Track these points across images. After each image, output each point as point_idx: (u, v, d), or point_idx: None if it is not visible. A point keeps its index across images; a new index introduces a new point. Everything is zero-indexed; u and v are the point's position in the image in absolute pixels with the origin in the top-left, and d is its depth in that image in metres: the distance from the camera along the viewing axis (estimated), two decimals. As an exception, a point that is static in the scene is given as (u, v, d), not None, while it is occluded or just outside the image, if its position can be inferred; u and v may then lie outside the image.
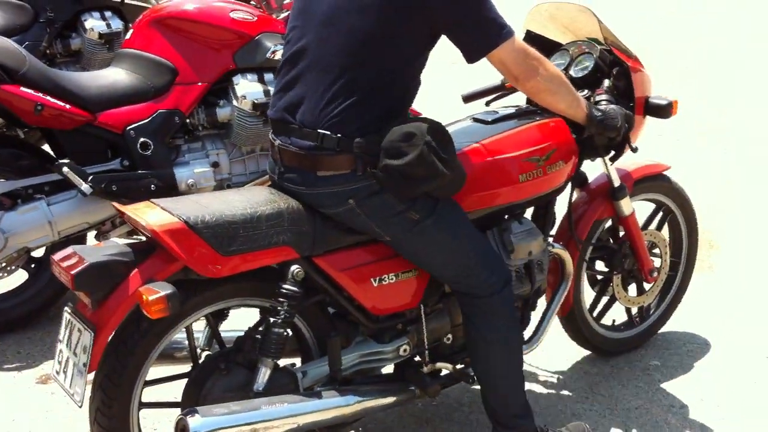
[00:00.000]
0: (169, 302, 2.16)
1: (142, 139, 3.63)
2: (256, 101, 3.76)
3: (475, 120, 2.86)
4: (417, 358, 2.77)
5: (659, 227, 3.49)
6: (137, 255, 2.33)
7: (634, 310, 3.53)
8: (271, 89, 3.77)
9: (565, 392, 3.27)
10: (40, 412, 3.11)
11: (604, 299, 3.45)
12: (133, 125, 3.63)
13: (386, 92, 2.41)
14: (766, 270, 4.18)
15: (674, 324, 3.64)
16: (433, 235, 2.49)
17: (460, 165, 2.43)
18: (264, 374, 2.44)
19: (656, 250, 3.44)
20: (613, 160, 3.02)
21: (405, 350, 2.70)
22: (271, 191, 2.49)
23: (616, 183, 3.13)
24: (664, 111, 3.03)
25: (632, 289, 3.44)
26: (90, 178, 3.48)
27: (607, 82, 2.97)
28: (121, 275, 2.28)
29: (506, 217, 2.81)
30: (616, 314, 3.51)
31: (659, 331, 3.61)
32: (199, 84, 3.77)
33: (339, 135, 2.36)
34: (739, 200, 4.97)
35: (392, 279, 2.58)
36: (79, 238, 3.68)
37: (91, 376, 2.30)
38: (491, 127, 2.79)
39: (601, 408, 3.18)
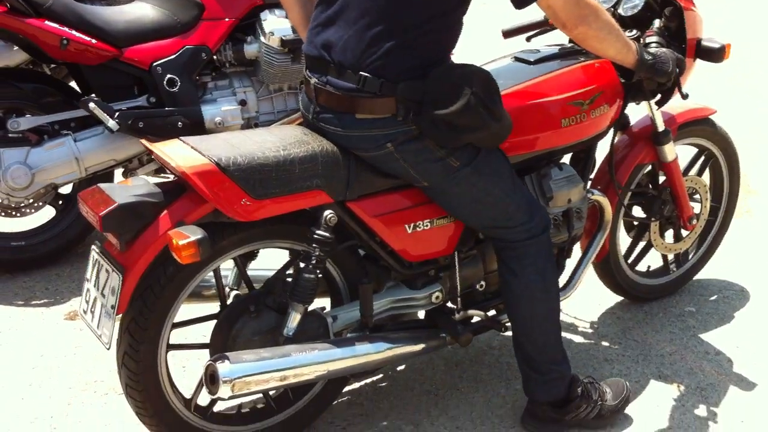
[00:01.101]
0: (199, 247, 2.08)
1: (168, 76, 3.53)
2: (284, 38, 3.64)
3: (517, 59, 2.74)
4: (449, 305, 2.70)
5: (700, 172, 3.37)
6: (167, 196, 2.25)
7: (671, 257, 3.43)
8: (300, 25, 3.67)
9: (597, 337, 3.21)
10: (68, 348, 3.08)
11: (640, 245, 3.36)
12: (160, 61, 3.53)
13: (431, 35, 2.28)
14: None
15: (710, 270, 3.55)
16: (472, 183, 2.39)
17: (507, 115, 2.32)
18: (294, 319, 2.37)
19: (696, 196, 3.32)
20: (659, 104, 2.89)
21: (437, 297, 2.62)
22: (304, 131, 2.39)
23: (661, 127, 3.00)
24: (716, 55, 2.88)
25: (669, 235, 3.34)
26: (116, 114, 3.40)
27: (657, 23, 2.82)
28: (150, 216, 2.20)
29: (546, 162, 2.70)
30: (652, 260, 3.41)
31: (695, 277, 3.52)
32: (227, 20, 3.65)
33: (382, 79, 2.25)
34: None
35: (427, 225, 2.49)
36: (106, 175, 3.62)
37: (119, 319, 2.24)
38: (534, 68, 2.67)
39: (633, 354, 3.11)
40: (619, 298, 3.40)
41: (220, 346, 2.38)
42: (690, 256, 3.47)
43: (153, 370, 2.29)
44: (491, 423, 2.74)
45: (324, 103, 2.35)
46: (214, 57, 3.67)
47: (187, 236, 2.08)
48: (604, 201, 2.91)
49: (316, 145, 2.31)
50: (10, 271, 3.54)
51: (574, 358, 3.04)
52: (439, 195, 2.45)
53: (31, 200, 3.49)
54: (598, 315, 3.34)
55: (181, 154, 2.21)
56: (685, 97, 2.79)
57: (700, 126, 3.23)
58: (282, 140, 2.30)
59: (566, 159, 2.88)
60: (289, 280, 2.40)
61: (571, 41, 2.91)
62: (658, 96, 2.88)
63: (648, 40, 2.73)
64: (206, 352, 2.44)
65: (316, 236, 2.32)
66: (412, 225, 2.47)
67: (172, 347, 2.37)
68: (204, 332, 2.52)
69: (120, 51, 3.46)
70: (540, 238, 2.51)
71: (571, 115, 2.62)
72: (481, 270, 2.70)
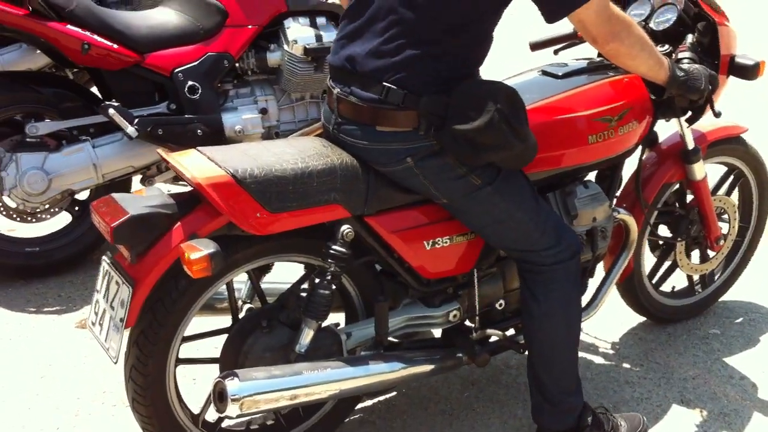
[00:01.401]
0: (212, 261, 2.02)
1: (190, 83, 3.49)
2: (307, 46, 3.60)
3: (544, 73, 2.66)
4: (466, 323, 2.62)
5: (729, 192, 3.28)
6: (181, 207, 2.19)
7: (696, 277, 3.33)
8: (324, 34, 3.65)
9: (618, 359, 3.12)
10: (78, 357, 3.04)
11: (665, 265, 3.27)
12: (182, 68, 3.50)
13: (458, 49, 2.21)
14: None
15: (736, 292, 3.45)
16: (494, 203, 2.31)
17: (533, 137, 2.23)
18: (307, 336, 2.31)
19: (724, 216, 3.23)
20: (689, 121, 2.80)
21: (455, 316, 2.55)
22: (323, 144, 2.33)
23: (690, 145, 2.92)
24: (750, 72, 2.79)
25: (695, 255, 3.25)
26: (136, 120, 3.37)
27: (690, 38, 2.73)
28: (163, 228, 2.15)
29: (571, 180, 2.62)
30: (676, 281, 3.33)
31: (720, 299, 3.43)
32: (250, 27, 3.61)
33: (405, 90, 2.18)
34: None
35: (446, 242, 2.42)
36: (124, 182, 3.57)
37: (127, 332, 2.19)
38: (561, 82, 2.59)
39: (655, 377, 3.02)
40: (642, 319, 3.31)
41: (230, 361, 2.32)
42: (716, 277, 3.37)
43: (161, 384, 2.24)
44: (507, 447, 2.67)
45: (345, 114, 2.29)
46: (236, 64, 3.64)
47: (199, 250, 2.03)
48: (630, 220, 2.82)
49: (335, 157, 2.25)
50: (24, 277, 3.51)
51: (594, 379, 2.97)
52: (459, 212, 2.38)
53: (47, 206, 3.46)
54: (620, 336, 3.25)
55: (197, 164, 2.16)
56: (717, 115, 2.70)
57: (730, 144, 3.14)
58: (300, 152, 2.24)
59: (591, 176, 2.80)
60: (304, 294, 2.33)
61: (600, 55, 2.84)
62: (689, 113, 2.80)
63: (680, 55, 2.65)
64: (217, 366, 2.38)
65: (332, 251, 2.26)
66: (430, 242, 2.40)
67: (181, 361, 2.31)
68: (216, 344, 2.46)
69: (142, 57, 3.43)
70: (567, 264, 2.42)
71: (599, 131, 2.55)
72: (501, 288, 2.62)
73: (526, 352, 2.60)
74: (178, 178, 3.64)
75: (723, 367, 3.07)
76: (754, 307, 3.44)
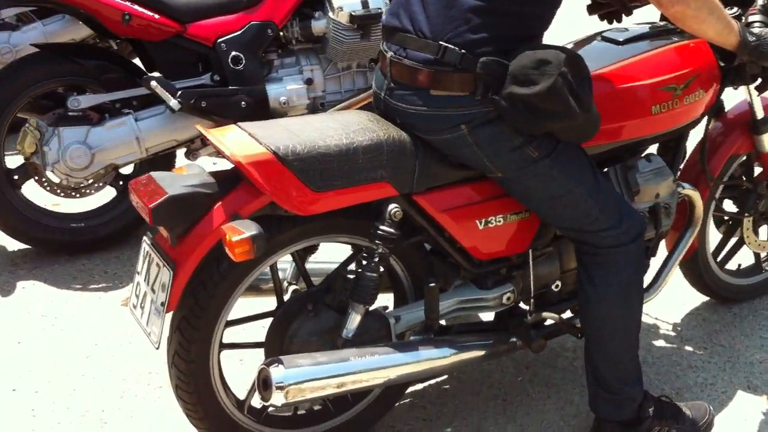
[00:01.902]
0: (254, 244, 1.93)
1: (233, 53, 3.39)
2: (353, 13, 3.46)
3: (604, 39, 2.50)
4: (520, 306, 2.50)
5: (799, 164, 3.09)
6: (221, 186, 2.10)
7: (763, 255, 3.16)
8: (370, 0, 3.49)
9: (681, 341, 2.97)
10: (124, 336, 2.97)
11: (731, 242, 3.10)
12: (225, 37, 3.39)
13: (527, 7, 2.07)
14: None
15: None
16: (552, 177, 2.17)
17: (596, 109, 2.09)
18: (354, 320, 2.21)
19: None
20: (759, 89, 2.62)
21: (509, 298, 2.42)
22: (369, 117, 2.21)
23: (760, 114, 2.75)
24: None
25: (763, 231, 3.07)
26: (179, 93, 3.28)
27: (761, 0, 2.54)
28: (203, 208, 2.06)
29: (632, 153, 2.47)
30: (742, 258, 3.16)
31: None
32: (295, -6, 3.47)
33: (463, 50, 2.04)
34: None
35: (499, 221, 2.30)
36: (167, 156, 3.50)
37: (169, 316, 2.11)
38: (622, 49, 2.43)
39: (720, 360, 2.87)
40: (705, 299, 3.16)
41: (275, 346, 2.23)
42: (784, 255, 3.20)
43: (205, 371, 2.16)
44: (563, 434, 2.55)
45: (398, 78, 2.16)
46: (281, 33, 3.52)
47: (241, 232, 1.93)
48: (695, 195, 2.66)
49: (381, 132, 2.13)
50: (70, 253, 3.46)
51: (656, 363, 2.83)
52: (514, 187, 2.24)
53: (90, 181, 3.39)
54: (682, 316, 3.10)
55: (238, 141, 2.06)
56: None
57: None
58: (345, 127, 2.13)
59: (653, 149, 2.64)
60: (350, 277, 2.23)
61: (663, 18, 2.67)
62: (759, 80, 2.61)
63: (751, 18, 2.45)
64: (262, 350, 2.29)
65: (379, 232, 2.15)
66: (483, 220, 2.28)
67: (225, 346, 2.23)
68: (263, 326, 2.37)
69: (184, 27, 3.33)
70: (628, 248, 2.27)
71: (663, 101, 2.39)
72: (557, 269, 2.49)
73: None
74: (223, 151, 3.55)
75: (793, 351, 2.93)
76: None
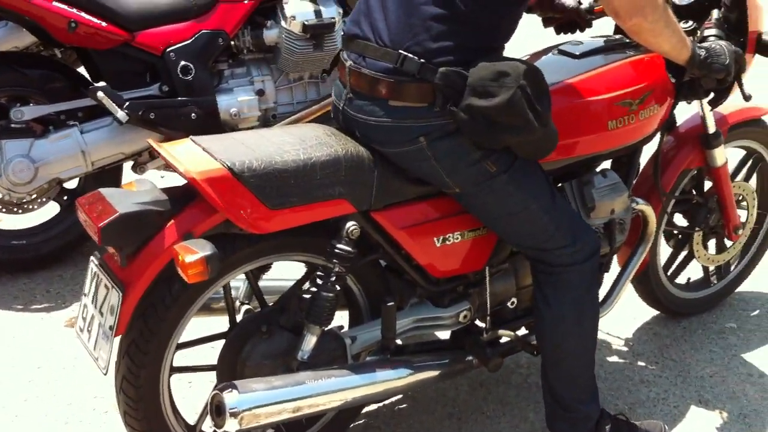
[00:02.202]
0: (208, 264, 1.86)
1: (182, 63, 3.29)
2: (306, 22, 3.39)
3: (561, 52, 2.48)
4: (476, 323, 2.46)
5: (747, 177, 3.11)
6: (173, 203, 2.02)
7: (712, 268, 3.17)
8: (323, 9, 3.46)
9: (632, 356, 2.97)
10: (68, 359, 2.86)
11: (680, 256, 3.10)
12: (174, 47, 3.29)
13: (490, 18, 2.04)
14: None
15: (751, 283, 3.29)
16: (509, 192, 2.15)
17: (553, 125, 2.07)
18: (309, 342, 2.15)
19: (743, 203, 3.06)
20: (712, 104, 2.62)
21: (465, 316, 2.39)
22: (326, 131, 2.15)
23: (712, 129, 2.75)
24: None
25: (711, 245, 3.09)
26: (126, 104, 3.17)
27: (716, 13, 2.54)
28: (155, 227, 1.98)
29: (586, 169, 2.45)
30: (691, 272, 3.17)
31: (735, 291, 3.27)
32: (246, 2, 3.40)
33: (422, 60, 2.01)
34: None
35: (457, 238, 2.26)
36: (114, 170, 3.39)
37: (117, 340, 2.03)
38: (579, 63, 2.41)
39: (671, 375, 2.87)
40: (655, 313, 3.16)
41: (228, 368, 2.16)
42: (732, 267, 3.22)
43: (154, 396, 2.08)
44: (518, 452, 2.53)
45: (357, 87, 2.12)
46: (232, 42, 3.43)
47: (194, 252, 1.86)
48: (649, 210, 2.65)
49: (339, 147, 2.08)
50: (10, 271, 3.33)
51: (608, 378, 2.82)
52: (471, 203, 2.21)
53: (34, 196, 3.27)
54: (633, 331, 3.10)
55: (191, 156, 1.99)
56: (748, 98, 2.53)
57: (751, 127, 2.97)
58: (302, 142, 2.07)
59: (606, 164, 2.63)
60: (306, 297, 2.17)
61: (617, 31, 2.67)
62: (711, 95, 2.62)
63: (706, 33, 2.46)
64: (214, 372, 2.22)
65: (336, 250, 2.10)
66: (441, 238, 2.24)
67: (176, 370, 2.15)
68: (212, 346, 2.30)
69: (132, 35, 3.23)
70: (582, 267, 2.25)
71: (619, 116, 2.37)
72: (513, 286, 2.47)
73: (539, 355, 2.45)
74: (171, 163, 3.45)
75: (741, 364, 2.93)
76: (770, 295, 3.31)
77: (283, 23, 3.42)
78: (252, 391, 1.98)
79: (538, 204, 2.18)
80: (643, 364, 2.93)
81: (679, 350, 3.00)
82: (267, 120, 3.52)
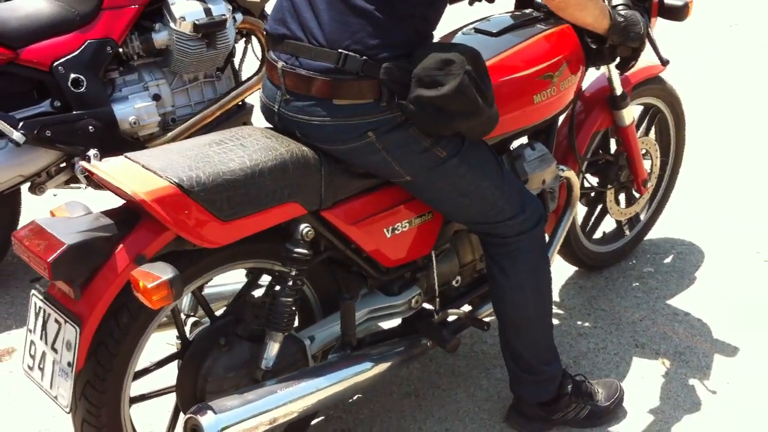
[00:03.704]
0: (172, 288, 1.76)
1: (72, 75, 3.11)
2: (197, 22, 3.27)
3: (478, 31, 2.46)
4: (425, 306, 2.45)
5: (647, 131, 3.21)
6: (118, 226, 1.90)
7: (624, 219, 3.27)
8: (212, 7, 3.35)
9: (566, 310, 3.05)
10: (2, 396, 2.67)
11: (595, 214, 3.19)
12: (61, 60, 3.10)
13: (420, 7, 1.99)
14: (745, 171, 3.95)
15: (659, 228, 3.42)
16: (460, 175, 2.13)
17: (495, 103, 2.05)
18: (273, 349, 2.09)
19: (647, 157, 3.16)
20: (620, 68, 2.67)
21: (416, 301, 2.37)
22: (265, 134, 2.07)
23: (619, 91, 2.81)
24: (679, 13, 2.69)
25: (622, 198, 3.18)
26: (20, 124, 2.97)
27: None
28: (104, 254, 1.85)
29: (515, 143, 2.47)
30: (605, 225, 3.27)
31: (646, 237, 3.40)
32: (130, 7, 3.23)
33: (364, 57, 1.94)
34: (721, 106, 4.67)
35: (405, 227, 2.23)
36: (13, 193, 3.17)
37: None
38: (499, 41, 2.40)
39: (605, 324, 2.97)
40: (577, 268, 3.24)
41: (189, 387, 2.07)
42: (642, 215, 3.33)
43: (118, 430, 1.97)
44: (480, 420, 2.54)
45: (294, 89, 2.03)
46: (120, 49, 3.26)
47: (156, 277, 1.75)
48: (573, 176, 2.69)
49: (283, 149, 2.00)
50: None
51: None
52: (422, 189, 2.18)
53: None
54: (560, 286, 3.18)
55: (134, 176, 1.86)
56: (665, 63, 2.60)
57: (651, 85, 3.05)
58: (245, 147, 1.98)
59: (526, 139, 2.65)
60: (261, 303, 2.09)
61: (517, 6, 2.68)
62: (618, 59, 2.67)
63: (615, 2, 2.50)
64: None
65: (294, 255, 2.03)
66: (390, 228, 2.21)
67: (134, 400, 2.05)
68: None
69: (15, 53, 3.02)
70: (533, 233, 2.27)
71: (543, 89, 2.39)
72: (456, 264, 2.47)
73: (492, 329, 2.47)
74: (70, 181, 3.26)
75: (666, 306, 3.06)
76: (679, 240, 3.44)
77: (172, 25, 3.28)
78: (228, 409, 1.90)
79: (489, 181, 2.17)
80: (577, 317, 3.00)
81: (606, 300, 3.09)
82: (167, 124, 3.38)
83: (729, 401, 2.60)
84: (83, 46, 3.14)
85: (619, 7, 2.44)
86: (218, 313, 2.19)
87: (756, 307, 3.02)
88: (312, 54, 1.98)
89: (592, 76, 2.93)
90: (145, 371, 2.11)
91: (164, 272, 1.76)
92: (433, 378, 2.71)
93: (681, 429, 2.49)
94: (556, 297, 3.10)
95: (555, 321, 2.94)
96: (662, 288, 3.15)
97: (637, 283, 3.18)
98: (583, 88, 2.90)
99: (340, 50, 1.95)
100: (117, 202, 1.95)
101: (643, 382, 2.69)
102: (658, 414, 2.55)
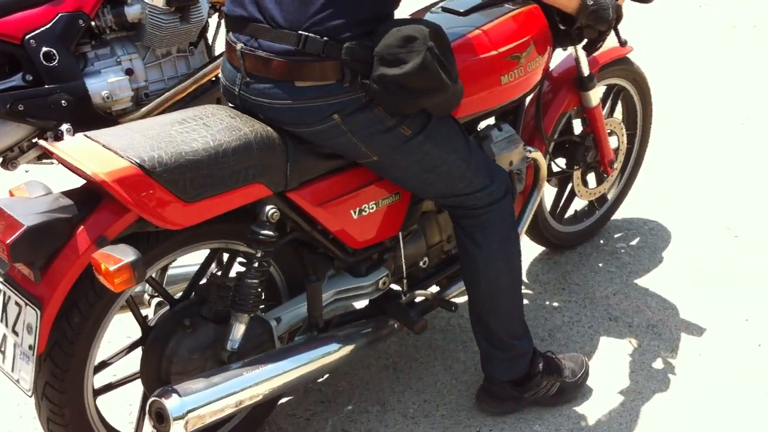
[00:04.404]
0: (134, 270, 1.70)
1: (44, 49, 3.00)
2: (170, -5, 3.17)
3: (445, 10, 2.39)
4: (393, 287, 2.40)
5: (612, 111, 3.16)
6: (79, 207, 1.83)
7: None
8: (185, -20, 3.23)
9: (539, 285, 3.02)
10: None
11: (564, 195, 3.15)
12: (33, 33, 2.99)
13: None
14: (716, 147, 3.91)
15: (630, 203, 3.39)
16: (425, 151, 2.07)
17: (459, 78, 1.99)
18: (238, 330, 2.04)
19: (613, 137, 3.12)
20: (587, 49, 2.61)
21: (384, 282, 2.32)
22: (229, 113, 2.00)
23: (586, 72, 2.76)
24: None
25: (591, 178, 3.14)
26: (-7, 98, 2.88)
27: None
28: (65, 235, 1.79)
29: (482, 124, 2.42)
30: (575, 203, 3.22)
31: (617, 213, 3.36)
32: (103, -21, 3.13)
33: (325, 38, 1.87)
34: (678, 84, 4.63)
35: (372, 208, 2.18)
36: (-17, 168, 3.09)
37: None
38: (467, 20, 2.33)
39: (579, 298, 2.95)
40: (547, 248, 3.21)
41: (153, 371, 2.02)
42: (609, 194, 3.29)
43: (85, 427, 1.93)
44: (458, 391, 2.53)
45: (254, 71, 1.96)
46: (93, 23, 3.16)
47: (118, 259, 1.69)
48: (540, 157, 2.64)
49: (248, 129, 1.93)
50: None
51: (524, 309, 2.81)
52: (389, 169, 2.12)
53: None
54: (534, 261, 3.15)
55: (95, 156, 1.79)
56: (624, 43, 2.55)
57: (617, 66, 3.00)
58: (208, 127, 1.91)
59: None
60: (227, 284, 2.05)
61: None
62: (585, 41, 2.62)
63: None
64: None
65: (259, 236, 1.98)
66: (357, 209, 2.16)
67: (99, 392, 2.00)
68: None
69: (-16, 26, 2.93)
70: (502, 203, 2.23)
71: (510, 70, 2.34)
72: (423, 245, 2.42)
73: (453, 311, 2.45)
74: (42, 156, 3.19)
75: (638, 279, 3.04)
76: (650, 216, 3.41)
77: (145, -2, 3.19)
78: (193, 392, 1.85)
79: (456, 155, 2.12)
80: (551, 292, 2.98)
81: (580, 275, 3.07)
82: (140, 99, 3.29)
83: (700, 373, 2.60)
84: (55, 19, 3.04)
85: None
86: (178, 295, 2.14)
87: (726, 281, 3.01)
88: (271, 35, 1.91)
89: (560, 56, 2.88)
90: (106, 363, 2.06)
91: (126, 255, 1.71)
92: (410, 351, 2.69)
93: (653, 400, 2.49)
94: (530, 272, 3.08)
95: (529, 294, 2.96)
96: (635, 263, 3.13)
97: (610, 259, 3.16)
98: (551, 68, 2.86)
99: (300, 31, 1.88)
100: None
101: (616, 354, 2.68)
102: (631, 385, 2.55)
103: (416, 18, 1.99)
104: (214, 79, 3.51)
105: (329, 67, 1.90)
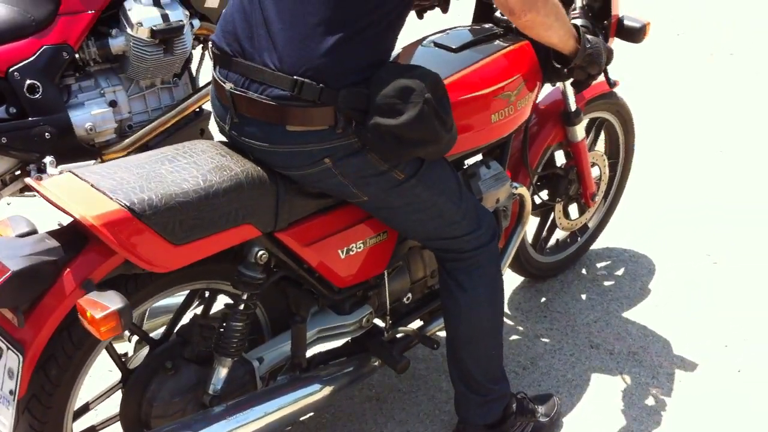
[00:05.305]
0: (121, 318, 1.62)
1: (28, 81, 2.94)
2: (154, 28, 3.11)
3: (437, 45, 2.34)
4: (376, 323, 2.35)
5: (593, 143, 3.14)
6: (65, 249, 1.76)
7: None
8: (169, 12, 3.20)
9: (521, 314, 2.99)
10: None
11: (546, 227, 3.11)
12: (17, 65, 2.93)
13: (376, 28, 1.84)
14: (696, 175, 3.90)
15: (610, 232, 3.36)
16: (416, 194, 2.02)
17: (455, 125, 1.94)
18: (221, 373, 1.98)
19: (595, 168, 3.09)
20: (576, 87, 2.58)
21: (368, 320, 2.26)
22: (220, 151, 1.93)
23: (573, 107, 2.73)
24: (637, 34, 2.60)
25: (573, 208, 3.12)
26: (-25, 132, 2.80)
27: (579, 1, 2.47)
28: (50, 278, 1.72)
29: (470, 161, 2.38)
30: (557, 234, 3.21)
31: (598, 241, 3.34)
32: (87, 12, 3.07)
33: (322, 84, 1.80)
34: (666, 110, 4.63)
35: (360, 247, 2.13)
36: (-35, 200, 3.01)
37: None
38: (458, 57, 2.28)
39: (560, 326, 2.92)
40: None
41: (133, 415, 1.95)
42: (590, 224, 3.26)
43: None
44: (441, 422, 2.49)
45: (245, 112, 1.88)
46: (77, 55, 3.10)
47: (105, 307, 1.62)
48: (526, 193, 2.59)
49: (238, 169, 1.87)
50: None
51: (505, 339, 2.80)
52: (379, 209, 2.07)
53: None
54: (516, 289, 3.12)
55: (83, 197, 1.71)
56: (613, 85, 2.53)
57: (602, 100, 2.98)
58: (199, 167, 1.84)
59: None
60: (211, 326, 1.98)
61: (475, 18, 2.59)
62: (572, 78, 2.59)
63: (573, 21, 2.38)
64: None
65: (246, 278, 1.92)
66: (345, 249, 2.10)
67: None
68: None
69: (-31, 59, 2.85)
70: (489, 247, 2.18)
71: (500, 108, 2.29)
72: (408, 281, 2.36)
73: (435, 349, 2.41)
74: (25, 189, 3.11)
75: (619, 307, 3.02)
76: (631, 244, 3.38)
77: (129, 30, 3.12)
78: (176, 438, 1.79)
79: (446, 197, 2.07)
80: (533, 320, 2.94)
81: (561, 302, 3.04)
82: (124, 131, 3.23)
83: (682, 400, 2.57)
84: (39, 52, 2.98)
85: (581, 30, 2.34)
86: (154, 332, 2.09)
87: (705, 308, 2.99)
88: (265, 77, 1.83)
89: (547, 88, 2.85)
90: (86, 408, 2.00)
91: (113, 302, 1.64)
92: (393, 381, 2.64)
93: (634, 428, 2.46)
94: (512, 300, 3.05)
95: (511, 322, 2.91)
96: (615, 290, 3.10)
97: (591, 286, 3.13)
98: (538, 101, 2.83)
99: (295, 76, 1.81)
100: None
101: (597, 381, 2.65)
102: (612, 413, 2.51)
103: (414, 65, 1.92)
104: (197, 110, 3.46)
105: (323, 113, 1.83)
